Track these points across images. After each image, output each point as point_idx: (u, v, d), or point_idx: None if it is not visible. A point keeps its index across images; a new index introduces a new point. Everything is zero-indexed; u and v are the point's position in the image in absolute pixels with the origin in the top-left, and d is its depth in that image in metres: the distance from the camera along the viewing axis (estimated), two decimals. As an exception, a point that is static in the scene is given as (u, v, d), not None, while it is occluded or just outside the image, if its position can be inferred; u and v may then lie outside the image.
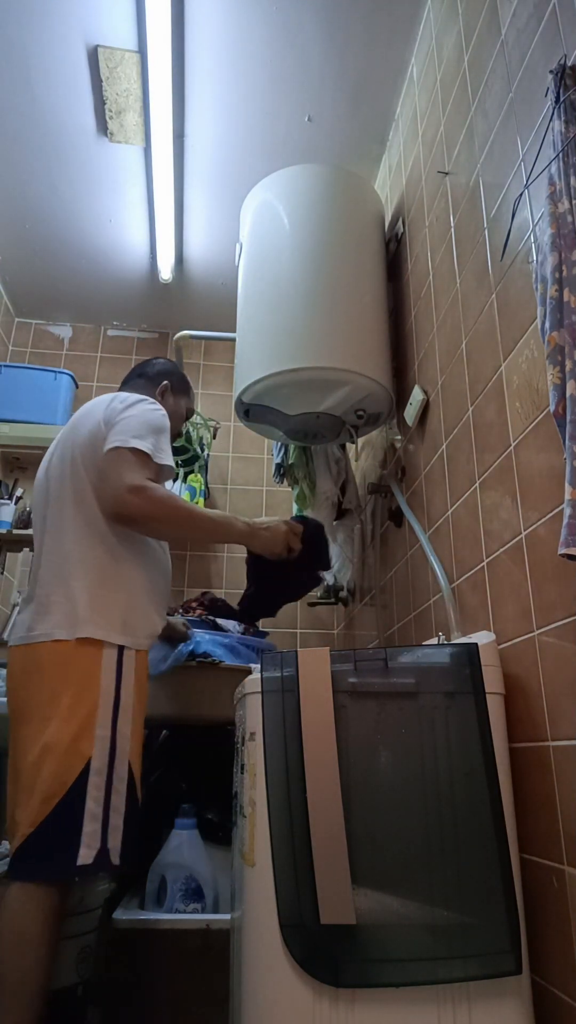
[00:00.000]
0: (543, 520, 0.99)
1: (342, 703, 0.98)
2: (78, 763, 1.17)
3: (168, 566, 1.50)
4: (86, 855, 1.13)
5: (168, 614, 2.04)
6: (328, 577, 2.20)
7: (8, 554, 2.55)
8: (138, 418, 1.36)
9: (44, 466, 1.46)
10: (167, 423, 1.43)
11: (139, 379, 1.65)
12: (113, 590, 1.29)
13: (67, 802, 1.14)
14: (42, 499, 1.41)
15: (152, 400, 1.44)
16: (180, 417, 1.69)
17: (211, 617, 1.99)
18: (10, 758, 1.25)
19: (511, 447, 1.12)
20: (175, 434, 1.71)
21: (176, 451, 2.46)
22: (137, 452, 1.30)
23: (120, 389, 1.62)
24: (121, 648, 1.25)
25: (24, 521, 2.45)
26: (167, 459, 1.36)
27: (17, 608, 1.39)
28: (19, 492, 2.56)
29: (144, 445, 1.31)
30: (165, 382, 1.63)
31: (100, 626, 1.24)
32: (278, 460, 2.29)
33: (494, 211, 1.25)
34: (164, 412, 1.44)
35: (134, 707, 1.25)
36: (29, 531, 2.05)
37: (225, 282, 2.78)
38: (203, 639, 1.74)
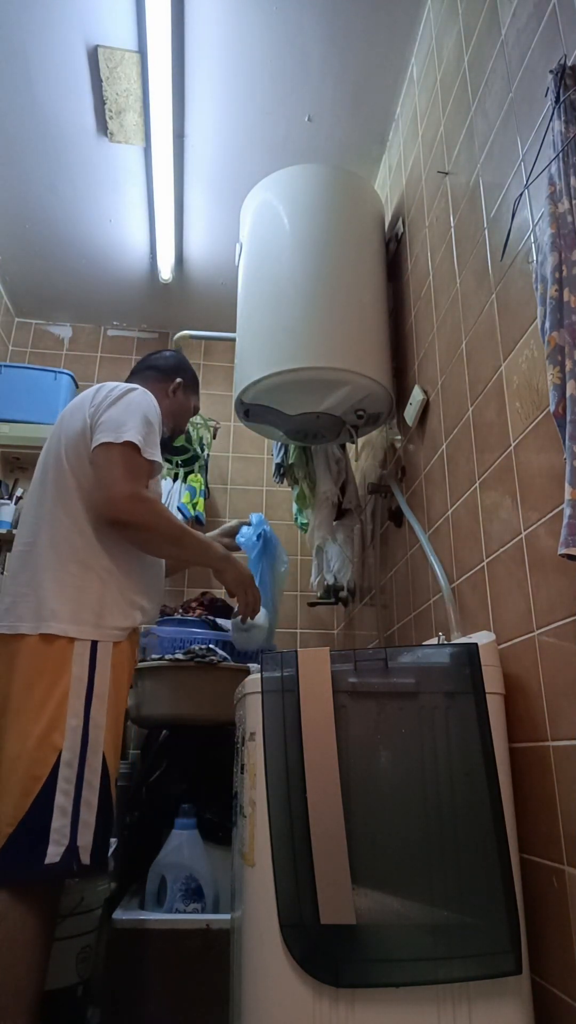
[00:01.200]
0: (543, 520, 0.99)
1: (342, 703, 0.98)
2: (51, 756, 1.12)
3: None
4: (53, 853, 1.07)
5: (167, 614, 2.05)
6: (328, 577, 2.20)
7: (8, 554, 2.55)
8: (127, 410, 1.32)
9: (38, 462, 1.44)
10: (158, 413, 1.39)
11: (150, 371, 1.62)
12: (88, 582, 1.25)
13: (40, 798, 1.09)
14: (30, 495, 1.40)
15: (142, 389, 1.40)
16: (188, 414, 1.68)
17: (211, 617, 1.99)
18: None
19: (511, 447, 1.12)
20: (180, 431, 1.71)
21: (176, 451, 2.46)
22: (129, 448, 1.27)
23: (128, 380, 1.58)
24: (95, 642, 1.21)
25: (24, 521, 2.45)
26: (156, 455, 1.34)
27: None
28: (19, 492, 2.56)
29: (136, 438, 1.28)
30: (179, 380, 1.62)
31: (70, 621, 1.20)
32: (278, 460, 2.29)
33: (494, 211, 1.25)
34: (154, 401, 1.40)
35: (110, 697, 1.20)
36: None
37: (225, 282, 2.78)
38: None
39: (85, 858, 1.10)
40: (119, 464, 1.26)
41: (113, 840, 1.49)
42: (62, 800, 1.10)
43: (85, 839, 1.11)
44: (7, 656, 1.21)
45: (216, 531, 1.92)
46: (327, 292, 1.71)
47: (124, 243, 2.64)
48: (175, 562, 1.59)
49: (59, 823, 1.09)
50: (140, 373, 1.62)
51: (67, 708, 1.15)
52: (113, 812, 1.19)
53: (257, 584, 1.54)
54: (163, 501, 1.78)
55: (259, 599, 1.51)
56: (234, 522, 1.93)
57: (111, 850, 1.44)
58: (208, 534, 1.77)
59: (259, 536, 1.93)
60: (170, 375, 1.62)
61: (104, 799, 1.15)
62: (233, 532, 1.90)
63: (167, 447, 1.60)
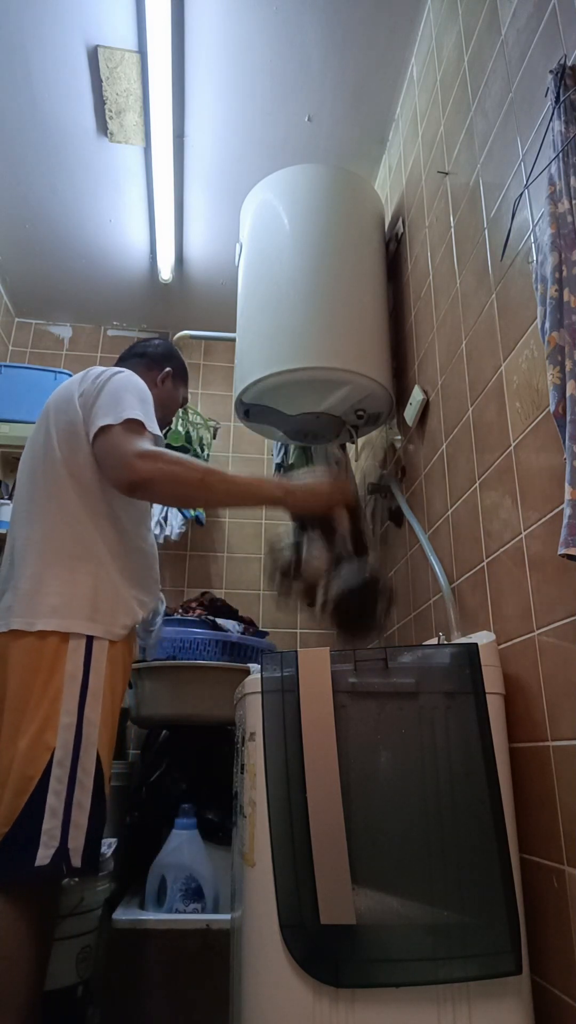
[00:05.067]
0: (543, 520, 0.99)
1: (342, 703, 0.98)
2: (43, 755, 1.09)
3: (153, 550, 1.41)
4: (44, 855, 1.04)
5: (167, 614, 2.05)
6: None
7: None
8: (121, 390, 1.28)
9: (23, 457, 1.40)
10: (149, 395, 1.35)
11: (138, 359, 1.56)
12: (82, 577, 1.20)
13: (33, 799, 1.06)
14: (16, 490, 1.37)
15: (129, 372, 1.36)
16: (175, 405, 1.63)
17: (211, 617, 1.99)
18: None
19: (511, 447, 1.12)
20: (167, 423, 1.66)
21: (175, 451, 2.45)
22: (130, 423, 1.22)
23: (116, 365, 1.53)
24: (90, 638, 1.17)
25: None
26: (157, 428, 1.29)
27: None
28: (19, 492, 2.56)
29: (136, 414, 1.23)
30: (168, 368, 1.57)
31: (64, 616, 1.16)
32: (278, 460, 2.29)
33: (494, 211, 1.25)
34: (143, 383, 1.36)
35: (105, 694, 1.16)
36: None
37: (225, 282, 2.78)
38: None
39: (76, 860, 1.06)
40: (123, 439, 1.21)
41: (113, 840, 1.48)
42: (53, 801, 1.07)
43: (76, 841, 1.07)
44: (0, 654, 1.19)
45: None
46: (327, 292, 1.71)
47: (124, 243, 2.64)
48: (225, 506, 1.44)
49: (50, 824, 1.06)
50: (128, 360, 1.57)
51: (60, 706, 1.11)
52: (106, 812, 1.15)
53: None
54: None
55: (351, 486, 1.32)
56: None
57: (111, 850, 1.44)
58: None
59: None
60: (159, 363, 1.57)
61: (97, 799, 1.12)
62: None
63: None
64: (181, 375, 1.62)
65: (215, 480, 1.25)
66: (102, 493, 1.26)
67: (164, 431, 1.65)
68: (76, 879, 1.15)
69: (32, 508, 1.27)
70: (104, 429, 1.23)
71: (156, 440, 1.27)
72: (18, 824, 1.06)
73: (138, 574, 1.30)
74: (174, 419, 2.57)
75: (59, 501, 1.25)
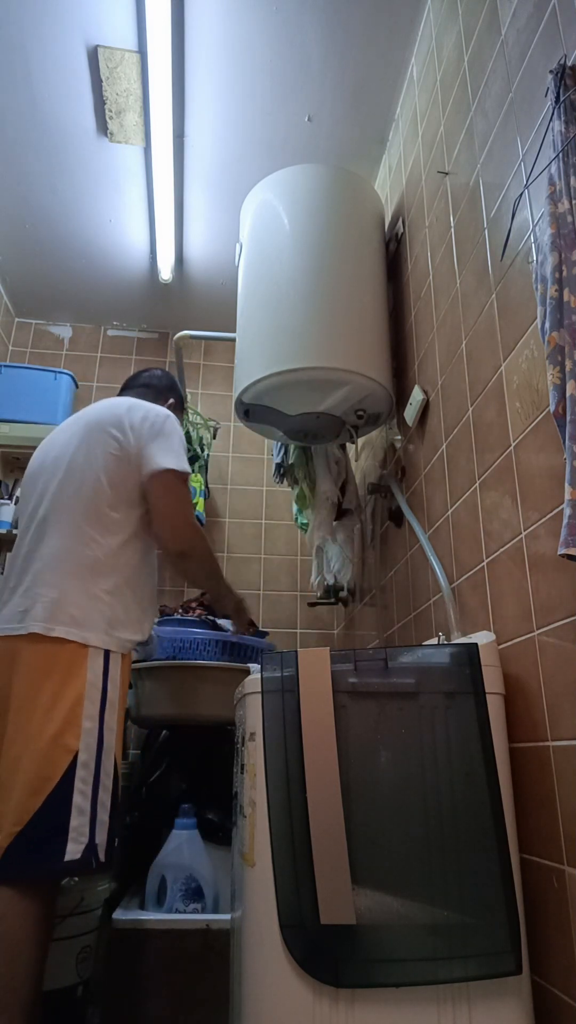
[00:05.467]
0: (543, 520, 0.99)
1: (342, 703, 0.98)
2: (64, 757, 1.14)
3: (156, 574, 1.52)
4: (73, 851, 1.10)
5: (167, 614, 2.05)
6: (328, 578, 2.20)
7: (8, 554, 2.55)
8: (175, 437, 1.43)
9: (46, 459, 1.46)
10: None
11: (144, 389, 1.67)
12: (106, 595, 1.28)
13: (54, 798, 1.12)
14: (37, 491, 1.41)
15: (173, 416, 1.49)
16: None
17: (211, 617, 1.99)
18: None
19: (511, 447, 1.12)
20: None
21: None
22: (185, 480, 1.41)
23: (121, 394, 1.65)
24: (107, 651, 1.25)
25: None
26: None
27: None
28: (19, 492, 2.56)
29: (186, 468, 1.41)
30: (172, 400, 1.69)
31: (86, 628, 1.23)
32: (278, 460, 2.29)
33: (494, 211, 1.25)
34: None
35: (119, 703, 1.25)
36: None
37: (225, 282, 2.78)
38: None
39: (102, 855, 1.14)
40: (181, 497, 1.39)
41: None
42: (80, 800, 1.13)
43: (102, 837, 1.15)
44: (7, 657, 1.22)
45: None
46: (327, 292, 1.71)
47: (124, 243, 2.64)
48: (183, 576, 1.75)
49: (77, 822, 1.12)
50: (134, 389, 1.68)
51: (82, 712, 1.18)
52: (121, 812, 1.25)
53: None
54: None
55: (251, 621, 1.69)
56: None
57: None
58: None
59: None
60: (164, 395, 1.68)
61: (115, 799, 1.20)
62: None
63: None
64: (180, 405, 1.76)
65: (217, 567, 1.55)
66: (138, 522, 1.38)
67: None
68: (101, 873, 1.26)
69: (65, 520, 1.32)
70: (165, 474, 1.37)
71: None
72: (36, 822, 1.11)
73: (147, 597, 1.41)
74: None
75: (97, 522, 1.33)
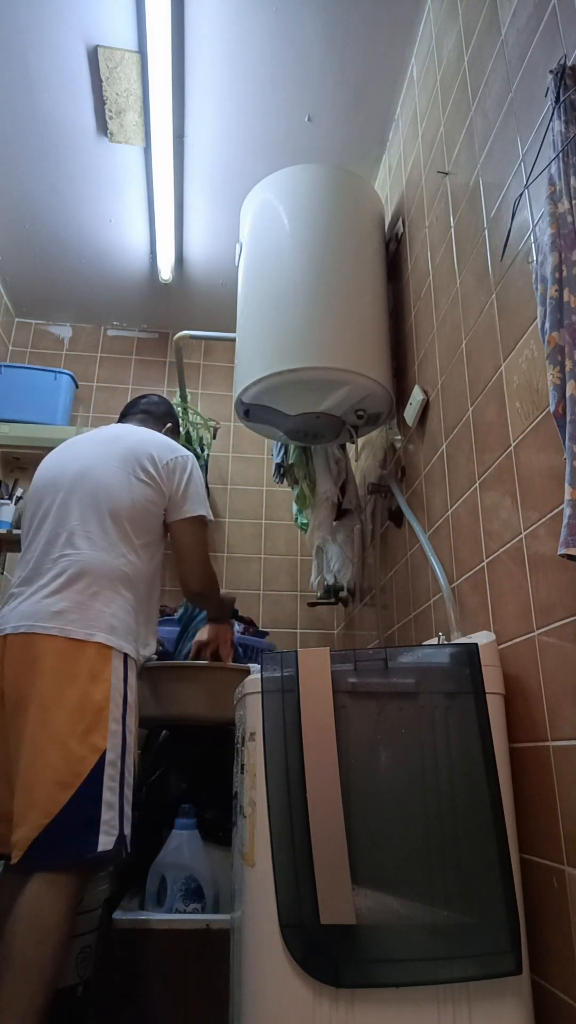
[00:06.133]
0: (543, 520, 0.99)
1: (342, 703, 0.98)
2: (92, 755, 1.20)
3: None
4: (106, 842, 1.17)
5: (167, 614, 2.05)
6: (328, 578, 2.20)
7: (8, 554, 2.55)
8: (200, 482, 1.58)
9: (72, 464, 1.50)
10: None
11: (144, 415, 1.76)
12: (130, 608, 1.37)
13: (84, 792, 1.18)
14: (59, 498, 1.44)
15: (192, 456, 1.62)
16: None
17: (211, 617, 1.98)
18: (7, 748, 1.25)
19: (511, 447, 1.12)
20: None
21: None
22: (206, 523, 1.56)
23: (123, 419, 1.76)
24: (126, 656, 1.33)
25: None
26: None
27: (14, 596, 1.37)
28: (19, 492, 2.56)
29: (210, 514, 1.58)
30: (170, 424, 1.79)
31: (111, 633, 1.31)
32: (278, 460, 2.29)
33: (494, 211, 1.25)
34: None
35: (136, 708, 1.33)
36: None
37: (225, 282, 2.78)
38: None
39: (129, 846, 1.23)
40: (204, 542, 1.56)
41: None
42: (109, 796, 1.20)
43: (128, 829, 1.23)
44: (29, 655, 1.26)
45: None
46: (327, 292, 1.71)
47: (124, 243, 2.64)
48: None
49: (108, 815, 1.19)
50: (134, 416, 1.77)
51: (108, 714, 1.25)
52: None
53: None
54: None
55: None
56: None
57: None
58: None
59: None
60: (162, 420, 1.78)
61: (134, 797, 1.29)
62: None
63: None
64: (176, 429, 1.87)
65: (224, 603, 1.73)
66: (155, 548, 1.50)
67: None
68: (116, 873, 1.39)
69: (98, 533, 1.40)
70: (195, 519, 1.53)
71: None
72: (66, 815, 1.16)
73: (155, 616, 1.51)
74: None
75: (126, 542, 1.42)
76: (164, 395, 2.26)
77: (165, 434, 1.70)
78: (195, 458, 1.61)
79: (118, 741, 1.24)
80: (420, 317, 1.69)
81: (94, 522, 1.41)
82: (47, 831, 1.15)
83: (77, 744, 1.20)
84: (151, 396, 1.87)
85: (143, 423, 1.72)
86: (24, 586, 1.36)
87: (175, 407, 1.90)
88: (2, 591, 2.53)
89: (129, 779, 1.26)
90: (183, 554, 1.53)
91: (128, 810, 1.24)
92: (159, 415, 1.80)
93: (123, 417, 1.79)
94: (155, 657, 1.56)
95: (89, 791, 1.18)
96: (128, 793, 1.25)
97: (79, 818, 1.17)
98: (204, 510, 1.55)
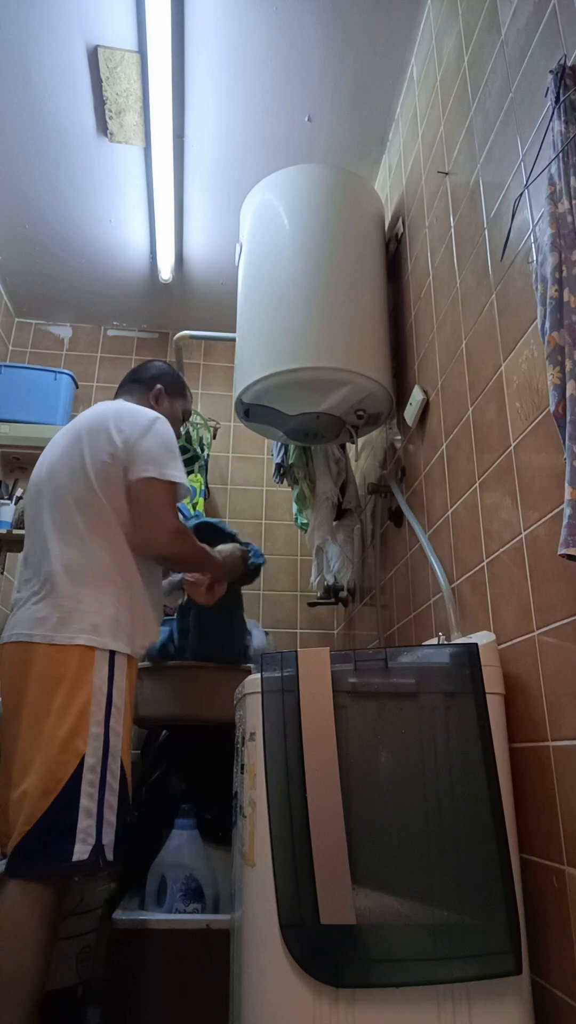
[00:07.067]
0: (543, 520, 0.99)
1: (342, 703, 0.98)
2: (72, 760, 1.18)
3: (161, 576, 1.54)
4: (81, 851, 1.14)
5: (167, 614, 2.05)
6: (328, 578, 2.20)
7: (8, 554, 2.55)
8: (161, 442, 1.40)
9: (44, 464, 1.46)
10: (175, 441, 1.48)
11: (134, 384, 1.65)
12: (116, 600, 1.31)
13: (62, 799, 1.15)
14: (38, 499, 1.41)
15: (160, 416, 1.46)
16: (176, 420, 1.68)
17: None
18: (2, 754, 1.26)
19: (511, 447, 1.12)
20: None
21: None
22: (171, 485, 1.37)
23: (116, 395, 1.64)
24: (113, 652, 1.27)
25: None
26: (186, 480, 1.44)
27: (15, 604, 1.37)
28: (19, 492, 2.56)
29: (176, 475, 1.38)
30: (159, 386, 1.63)
31: (93, 633, 1.26)
32: (278, 460, 2.29)
33: (494, 211, 1.25)
34: (171, 427, 1.47)
35: (125, 706, 1.27)
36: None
37: (225, 282, 2.78)
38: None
39: (109, 855, 1.17)
40: (165, 503, 1.36)
41: None
42: (87, 802, 1.16)
43: (108, 838, 1.18)
44: (21, 663, 1.25)
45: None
46: (327, 292, 1.71)
47: (124, 243, 2.64)
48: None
49: (85, 823, 1.15)
50: (125, 387, 1.66)
51: (89, 716, 1.21)
52: (129, 813, 1.25)
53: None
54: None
55: (218, 594, 1.63)
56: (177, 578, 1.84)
57: None
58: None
59: None
60: (149, 385, 1.64)
61: (123, 800, 1.23)
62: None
63: None
64: (174, 389, 1.67)
65: (205, 561, 1.51)
66: (132, 528, 1.38)
67: None
68: (108, 871, 1.27)
69: (68, 530, 1.34)
70: (146, 481, 1.35)
71: (182, 490, 1.42)
72: (45, 822, 1.14)
73: (155, 601, 1.43)
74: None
75: (101, 530, 1.34)
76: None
77: (155, 396, 1.61)
78: (163, 420, 1.45)
79: (99, 745, 1.20)
80: (420, 317, 1.69)
81: (64, 520, 1.34)
82: (27, 837, 1.13)
83: (59, 750, 1.18)
84: (147, 363, 1.74)
85: (130, 393, 1.62)
86: (20, 593, 1.37)
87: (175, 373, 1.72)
88: (2, 592, 2.53)
89: (113, 784, 1.21)
90: (135, 521, 1.36)
91: (110, 817, 1.19)
92: (147, 379, 1.65)
93: (116, 394, 1.67)
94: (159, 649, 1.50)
95: (68, 797, 1.15)
96: (111, 799, 1.20)
97: (58, 825, 1.14)
98: (155, 471, 1.36)
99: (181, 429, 2.58)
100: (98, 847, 1.16)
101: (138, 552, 1.37)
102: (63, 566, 1.30)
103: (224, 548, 1.62)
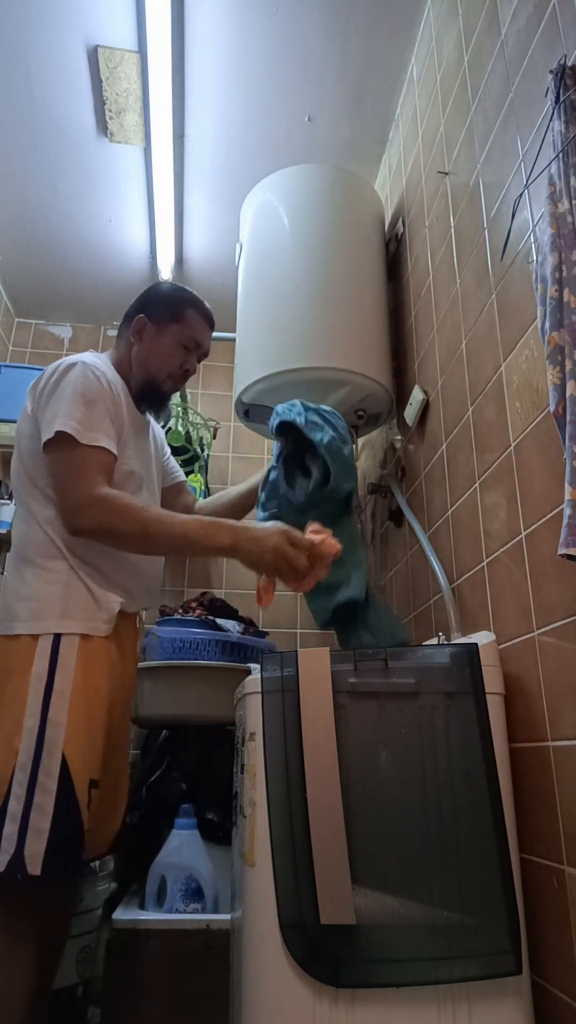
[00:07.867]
0: (543, 520, 0.99)
1: (342, 703, 0.98)
2: (10, 759, 1.06)
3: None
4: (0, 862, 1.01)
5: (167, 614, 2.05)
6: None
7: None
8: (60, 395, 1.19)
9: None
10: (102, 384, 1.24)
11: (122, 324, 1.44)
12: (51, 579, 1.18)
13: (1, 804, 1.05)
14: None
15: (81, 363, 1.24)
16: (165, 355, 1.38)
17: (211, 617, 1.99)
18: None
19: (511, 447, 1.12)
20: (157, 381, 1.39)
21: (176, 451, 2.45)
22: (66, 443, 1.15)
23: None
24: (57, 636, 1.13)
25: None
26: (99, 438, 1.18)
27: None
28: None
29: (67, 425, 1.15)
30: (140, 315, 1.37)
31: (35, 618, 1.15)
32: (278, 460, 2.28)
33: (494, 211, 1.25)
34: (94, 372, 1.24)
35: (76, 693, 1.11)
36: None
37: (225, 282, 2.77)
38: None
39: (33, 868, 1.00)
40: (65, 468, 1.16)
41: None
42: (14, 806, 1.03)
43: (35, 847, 1.01)
44: None
45: (243, 486, 1.57)
46: (327, 292, 1.71)
47: (124, 243, 2.64)
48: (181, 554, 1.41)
49: (9, 830, 1.02)
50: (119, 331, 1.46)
51: (25, 709, 1.08)
52: (81, 815, 1.07)
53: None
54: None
55: (302, 561, 1.13)
56: (259, 475, 1.52)
57: (107, 854, 1.43)
58: (235, 489, 1.56)
59: (280, 456, 1.44)
60: (131, 317, 1.39)
61: (64, 802, 1.05)
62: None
63: (154, 401, 1.40)
64: (164, 312, 1.38)
65: (157, 533, 1.16)
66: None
67: (163, 411, 1.50)
68: (38, 887, 1.04)
69: (20, 515, 1.27)
70: (46, 447, 1.18)
71: (102, 452, 1.19)
72: None
73: (119, 567, 1.24)
74: (174, 419, 2.57)
75: (28, 507, 1.23)
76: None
77: (136, 332, 1.37)
78: (78, 367, 1.23)
79: (32, 739, 1.06)
80: (420, 317, 1.69)
81: (16, 497, 1.25)
82: None
83: (2, 748, 1.07)
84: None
85: (118, 339, 1.43)
86: None
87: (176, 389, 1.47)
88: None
89: (48, 783, 1.05)
90: (54, 490, 1.19)
91: (41, 823, 1.02)
92: (129, 313, 1.41)
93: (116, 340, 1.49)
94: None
95: (2, 802, 1.04)
96: (43, 801, 1.04)
97: None
98: (60, 424, 1.15)
99: (182, 428, 2.59)
100: (17, 858, 1.00)
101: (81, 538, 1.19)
102: (15, 552, 1.23)
103: (263, 526, 1.17)
